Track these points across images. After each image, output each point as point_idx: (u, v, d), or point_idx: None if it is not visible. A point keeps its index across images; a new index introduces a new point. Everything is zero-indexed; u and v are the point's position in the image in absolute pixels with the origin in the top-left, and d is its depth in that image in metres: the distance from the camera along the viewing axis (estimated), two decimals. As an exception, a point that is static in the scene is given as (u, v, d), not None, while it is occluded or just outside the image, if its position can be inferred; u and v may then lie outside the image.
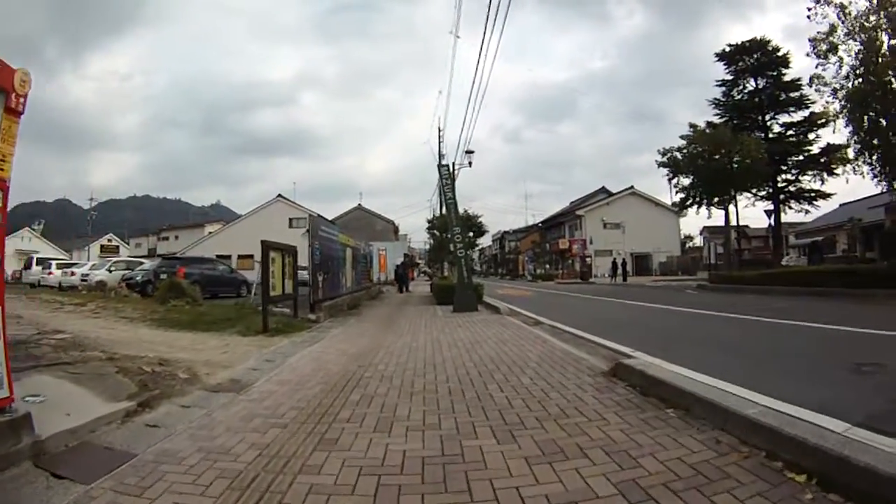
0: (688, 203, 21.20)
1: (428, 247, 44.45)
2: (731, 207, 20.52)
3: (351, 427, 2.81)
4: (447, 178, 11.93)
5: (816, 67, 15.10)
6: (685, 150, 20.06)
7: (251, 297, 12.70)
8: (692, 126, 20.49)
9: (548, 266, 46.09)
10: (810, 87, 16.30)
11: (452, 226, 11.55)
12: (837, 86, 14.80)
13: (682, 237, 48.31)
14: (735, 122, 23.87)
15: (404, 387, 3.73)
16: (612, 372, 3.92)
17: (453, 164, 13.51)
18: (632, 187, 44.21)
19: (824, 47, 15.15)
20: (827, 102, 15.80)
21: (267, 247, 8.40)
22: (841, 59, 14.72)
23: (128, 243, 55.83)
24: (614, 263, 30.08)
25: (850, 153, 16.31)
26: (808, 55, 16.24)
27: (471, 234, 21.97)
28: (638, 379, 3.52)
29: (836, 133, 16.88)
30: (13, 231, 49.23)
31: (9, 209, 2.58)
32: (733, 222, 21.24)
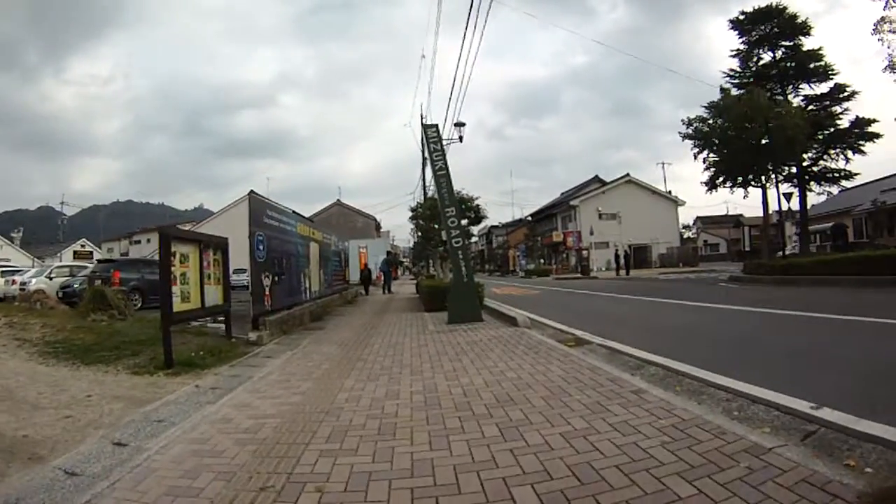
0: (717, 181, 18.43)
1: (412, 244, 41.19)
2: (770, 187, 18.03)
3: None
4: (435, 140, 8.65)
5: (885, 9, 13.08)
6: (711, 121, 17.49)
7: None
8: (724, 90, 17.79)
9: (541, 260, 43.30)
10: (874, 34, 14.18)
11: (445, 206, 8.32)
12: None
13: (681, 227, 45.99)
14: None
15: None
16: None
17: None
18: (627, 175, 41.78)
19: None
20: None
21: (168, 237, 5.47)
22: None
23: (101, 248, 52.79)
24: (616, 255, 28.35)
25: None
26: (874, -1, 14.37)
27: (465, 220, 18.19)
28: None
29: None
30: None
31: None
32: (780, 203, 18.64)
